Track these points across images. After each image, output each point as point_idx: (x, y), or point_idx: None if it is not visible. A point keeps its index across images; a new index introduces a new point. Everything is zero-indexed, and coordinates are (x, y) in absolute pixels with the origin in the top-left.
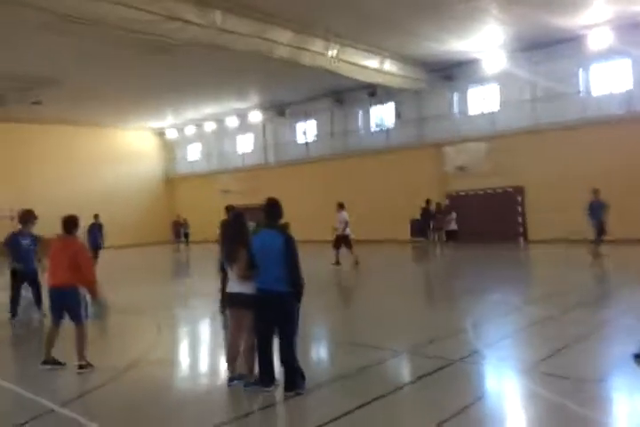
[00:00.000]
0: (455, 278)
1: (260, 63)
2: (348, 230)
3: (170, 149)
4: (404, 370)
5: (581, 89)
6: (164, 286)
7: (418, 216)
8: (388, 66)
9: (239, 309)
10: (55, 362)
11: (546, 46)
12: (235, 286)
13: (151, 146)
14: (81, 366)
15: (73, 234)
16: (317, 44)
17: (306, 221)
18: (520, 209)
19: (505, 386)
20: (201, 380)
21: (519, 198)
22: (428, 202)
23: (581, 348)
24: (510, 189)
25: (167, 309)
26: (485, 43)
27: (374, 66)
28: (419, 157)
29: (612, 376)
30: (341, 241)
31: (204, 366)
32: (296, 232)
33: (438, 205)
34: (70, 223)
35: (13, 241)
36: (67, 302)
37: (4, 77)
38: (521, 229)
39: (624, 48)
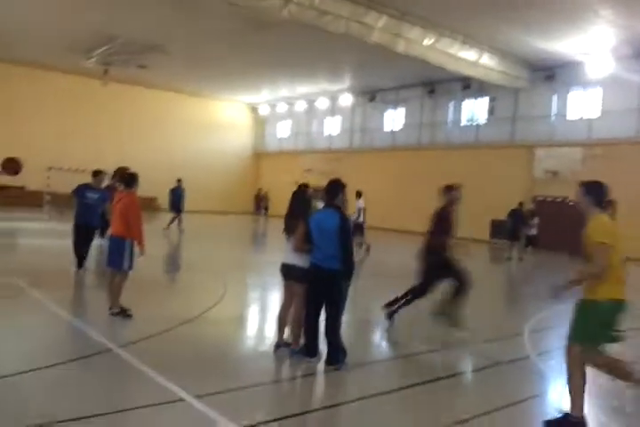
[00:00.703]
0: (527, 283)
1: (356, 47)
2: (361, 218)
3: (261, 125)
4: (446, 364)
5: None
6: (238, 251)
7: (501, 217)
8: (487, 60)
9: (291, 280)
10: (122, 311)
11: None
12: (289, 257)
13: (244, 119)
14: (113, 313)
15: (131, 188)
16: (414, 32)
17: (383, 208)
18: None
19: (541, 395)
20: (251, 341)
21: (610, 211)
22: (520, 204)
23: None
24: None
25: (236, 272)
26: (593, 45)
27: (471, 58)
28: (508, 157)
29: None
30: (356, 229)
31: (257, 329)
32: (372, 219)
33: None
34: (128, 178)
35: (78, 192)
36: (113, 250)
37: (116, 40)
38: None
39: None
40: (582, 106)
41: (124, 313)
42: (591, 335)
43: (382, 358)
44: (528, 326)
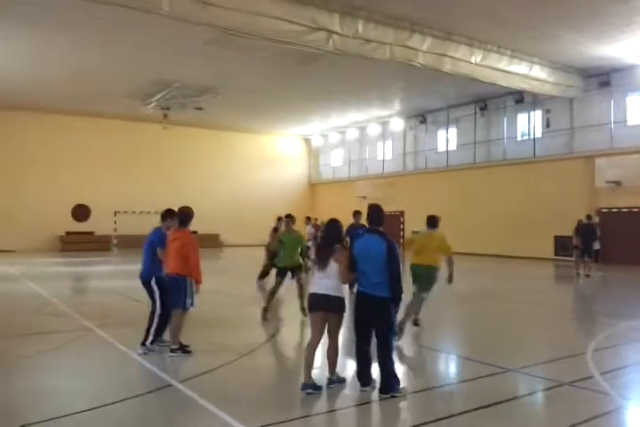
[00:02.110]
0: (595, 300)
1: (402, 71)
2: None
3: (314, 155)
4: (505, 387)
5: None
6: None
7: (564, 232)
8: (537, 71)
9: (323, 311)
10: (182, 347)
11: None
12: (321, 287)
13: (297, 151)
14: (172, 350)
15: (186, 226)
16: (460, 51)
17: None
18: None
19: (609, 416)
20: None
21: None
22: (589, 217)
23: None
24: None
25: (293, 304)
26: None
27: (522, 72)
28: (567, 170)
29: None
30: None
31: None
32: None
33: (580, 221)
34: (182, 216)
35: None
36: (174, 289)
37: (173, 85)
38: None
39: None
40: None
41: (183, 349)
42: None
43: (440, 383)
44: (593, 344)
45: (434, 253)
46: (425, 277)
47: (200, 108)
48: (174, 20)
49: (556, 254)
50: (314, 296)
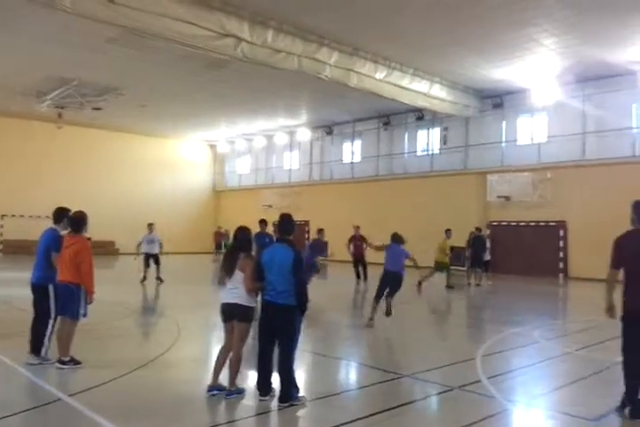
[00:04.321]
0: (482, 308)
1: (310, 82)
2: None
3: (220, 162)
4: (400, 393)
5: (634, 125)
6: (194, 292)
7: (458, 243)
8: (437, 90)
9: (233, 319)
10: (72, 359)
11: (598, 79)
12: (230, 297)
13: (202, 157)
14: (62, 362)
15: (80, 232)
16: (366, 66)
17: (344, 239)
18: (562, 244)
19: (495, 418)
20: (203, 384)
21: (561, 233)
22: (479, 230)
23: (584, 386)
24: (553, 223)
25: (191, 313)
26: (536, 73)
27: (422, 90)
28: (462, 184)
29: (605, 418)
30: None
31: (208, 371)
32: (333, 250)
33: (472, 233)
34: (78, 221)
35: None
36: (65, 297)
37: (71, 83)
38: (561, 265)
39: None
40: (530, 132)
41: (74, 361)
42: None
43: (339, 390)
44: (481, 350)
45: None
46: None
47: (98, 109)
48: (76, 16)
49: (450, 264)
50: (224, 306)
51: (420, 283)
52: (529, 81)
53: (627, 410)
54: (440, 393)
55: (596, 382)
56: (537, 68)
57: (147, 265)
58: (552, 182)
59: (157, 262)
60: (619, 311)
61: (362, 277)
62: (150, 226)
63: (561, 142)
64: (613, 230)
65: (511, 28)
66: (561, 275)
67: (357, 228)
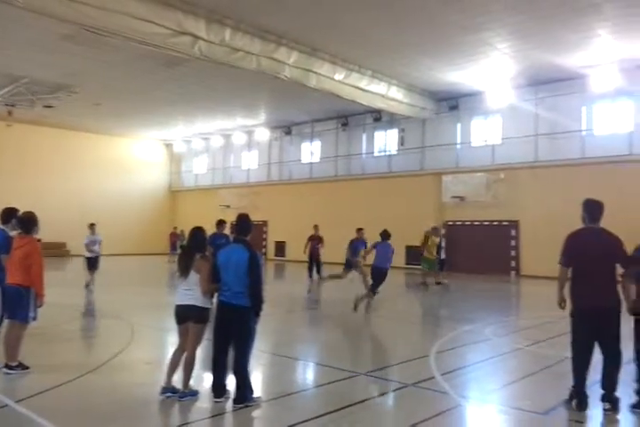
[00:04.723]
0: (437, 306)
1: (269, 82)
2: None
3: (176, 161)
4: (355, 391)
5: (584, 127)
6: (149, 294)
7: (416, 243)
8: (395, 92)
9: (188, 321)
10: (20, 364)
11: (550, 83)
12: (185, 298)
13: (158, 157)
14: (9, 367)
15: (30, 233)
16: (324, 67)
17: (303, 239)
18: (514, 243)
19: (448, 414)
20: (157, 387)
21: (513, 232)
22: (435, 229)
23: (534, 381)
24: (506, 223)
25: (145, 316)
26: (490, 76)
27: (380, 92)
28: (419, 185)
29: (554, 411)
30: None
31: (162, 374)
32: (291, 251)
33: (427, 233)
34: (28, 222)
35: None
36: (14, 300)
37: (21, 81)
38: (513, 263)
39: (628, 89)
40: (485, 133)
41: (22, 366)
42: None
43: (294, 390)
44: (435, 347)
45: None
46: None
47: (50, 106)
48: (29, 12)
49: (407, 264)
50: (179, 308)
51: (423, 283)
52: (483, 84)
53: (574, 403)
54: (394, 390)
55: (545, 377)
56: (491, 72)
57: (90, 269)
58: (505, 183)
59: (96, 267)
60: (569, 305)
61: (314, 276)
62: (92, 226)
63: (514, 144)
64: (564, 229)
65: (465, 32)
66: (513, 273)
67: (316, 227)
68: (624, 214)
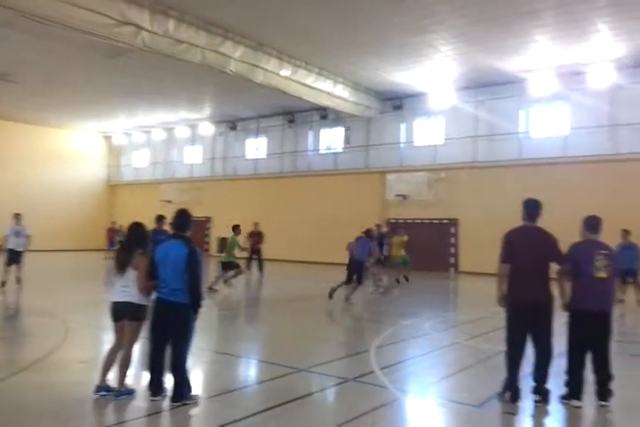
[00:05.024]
0: (380, 302)
1: (214, 76)
2: None
3: (116, 154)
4: (296, 386)
5: (521, 130)
6: (85, 291)
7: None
8: (340, 90)
9: (124, 319)
10: None
11: (491, 86)
12: (121, 295)
13: (97, 149)
14: None
15: None
16: (271, 63)
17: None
18: (453, 240)
19: (387, 407)
20: (91, 386)
21: (453, 230)
22: (378, 227)
23: (470, 374)
24: (446, 221)
25: (79, 313)
26: (434, 78)
27: (326, 89)
28: (364, 183)
29: (488, 403)
30: None
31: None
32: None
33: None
34: None
35: None
36: None
37: None
38: (453, 260)
39: (563, 94)
40: (427, 134)
41: None
42: None
43: (235, 387)
44: (376, 342)
45: None
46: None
47: None
48: None
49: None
50: (115, 305)
51: (397, 280)
52: (427, 85)
53: (507, 395)
54: (335, 385)
55: (481, 370)
56: (434, 73)
57: (9, 264)
58: (446, 182)
59: (18, 261)
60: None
61: (256, 270)
62: (17, 216)
63: (455, 144)
64: (501, 228)
65: (410, 33)
66: (452, 269)
67: (257, 224)
68: (559, 214)
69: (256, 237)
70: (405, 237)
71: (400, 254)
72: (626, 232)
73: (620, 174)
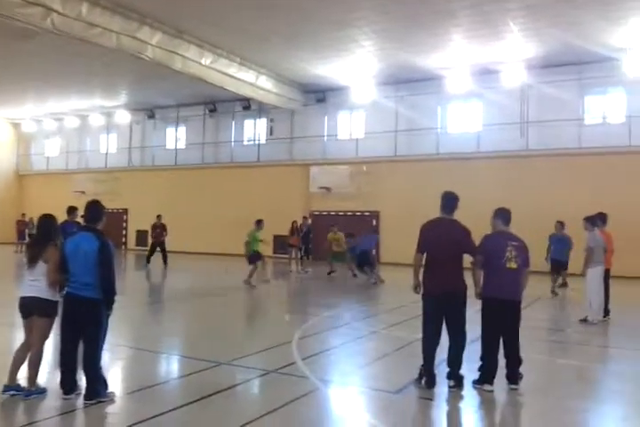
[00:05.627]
0: (302, 294)
1: (131, 62)
2: None
3: (25, 142)
4: (217, 380)
5: (439, 126)
6: None
7: (284, 232)
8: (264, 81)
9: (33, 315)
10: None
11: (410, 82)
12: (30, 289)
13: (4, 137)
14: None
15: None
16: (190, 51)
17: (168, 229)
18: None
19: (307, 397)
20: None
21: (374, 222)
22: (305, 219)
23: (388, 361)
24: (368, 213)
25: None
26: (356, 72)
27: (249, 80)
28: (287, 175)
29: (406, 389)
30: None
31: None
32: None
33: (295, 222)
34: None
35: None
36: None
37: None
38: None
39: (477, 91)
40: (350, 127)
41: None
42: None
43: (154, 382)
44: (298, 333)
45: None
46: None
47: None
48: None
49: (274, 253)
50: (23, 300)
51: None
52: (349, 79)
53: (423, 381)
54: (257, 377)
55: (398, 358)
56: (356, 68)
57: None
58: (367, 175)
59: None
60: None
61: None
62: None
63: (376, 138)
64: (420, 220)
65: (333, 27)
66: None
67: (159, 217)
68: (472, 207)
69: (159, 229)
70: (339, 234)
71: (341, 250)
72: (560, 224)
73: (529, 169)
